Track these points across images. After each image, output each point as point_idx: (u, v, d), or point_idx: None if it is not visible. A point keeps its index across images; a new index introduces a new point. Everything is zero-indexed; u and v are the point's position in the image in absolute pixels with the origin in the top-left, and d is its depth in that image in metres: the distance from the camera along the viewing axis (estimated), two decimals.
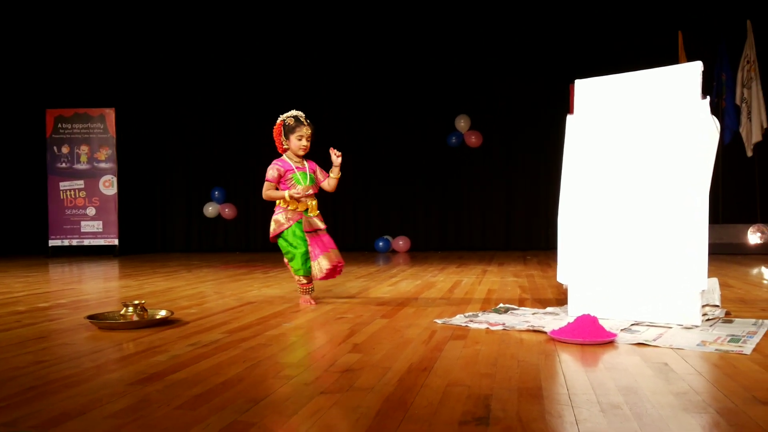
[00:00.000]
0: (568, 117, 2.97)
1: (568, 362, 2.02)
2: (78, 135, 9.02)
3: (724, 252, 7.17)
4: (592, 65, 8.27)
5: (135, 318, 2.77)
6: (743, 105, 7.76)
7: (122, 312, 2.78)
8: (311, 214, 3.54)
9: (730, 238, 7.40)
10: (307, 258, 3.47)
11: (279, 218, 3.51)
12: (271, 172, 3.49)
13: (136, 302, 2.81)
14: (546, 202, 8.74)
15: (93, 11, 9.24)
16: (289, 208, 3.50)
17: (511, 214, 9.20)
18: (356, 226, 9.50)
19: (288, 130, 3.50)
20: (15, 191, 9.61)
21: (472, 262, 6.60)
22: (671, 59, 7.85)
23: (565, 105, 7.44)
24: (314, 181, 3.58)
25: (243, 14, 9.40)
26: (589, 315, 2.36)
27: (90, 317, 2.79)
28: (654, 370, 1.87)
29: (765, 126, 7.59)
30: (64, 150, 9.01)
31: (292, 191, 3.45)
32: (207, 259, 7.83)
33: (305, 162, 3.59)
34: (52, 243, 8.79)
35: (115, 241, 8.85)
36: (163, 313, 2.90)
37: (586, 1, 8.67)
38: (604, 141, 2.87)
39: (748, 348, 2.15)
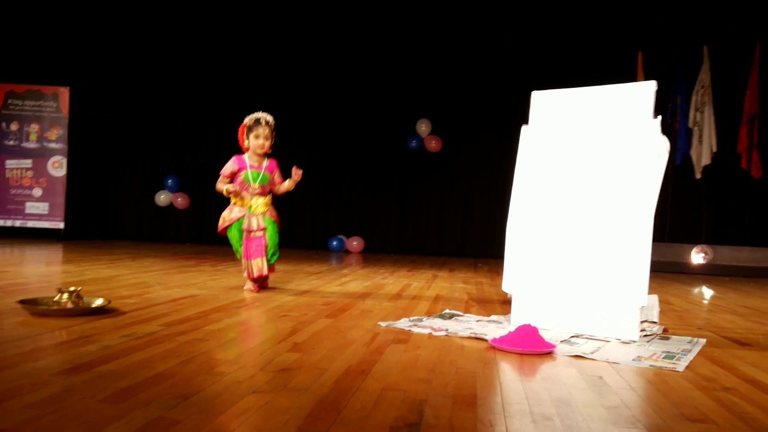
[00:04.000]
0: (523, 127, 2.99)
1: (505, 371, 2.02)
2: (29, 112, 8.73)
3: (668, 270, 7.36)
4: (553, 78, 8.38)
5: (69, 305, 2.67)
6: (695, 128, 7.98)
7: (56, 298, 2.68)
8: (256, 213, 3.74)
9: (674, 257, 7.59)
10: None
11: (224, 214, 3.79)
12: (226, 166, 3.76)
13: (72, 289, 2.71)
14: (501, 210, 8.80)
15: None
16: (236, 204, 3.75)
17: (466, 221, 9.26)
18: (312, 224, 9.43)
19: (248, 130, 3.74)
20: None
21: (424, 267, 6.61)
22: (630, 78, 8.03)
23: (524, 115, 7.52)
24: (266, 181, 3.80)
25: (205, 2, 9.24)
26: (529, 325, 2.37)
27: (22, 302, 2.68)
28: (588, 383, 1.89)
29: (714, 150, 7.82)
30: (13, 127, 8.71)
31: (228, 186, 3.67)
32: (156, 248, 7.66)
33: (265, 161, 3.81)
34: None
35: (61, 225, 8.59)
36: (99, 302, 2.81)
37: (552, 14, 8.80)
38: (556, 153, 2.90)
39: (681, 365, 2.19)
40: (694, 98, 8.07)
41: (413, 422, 1.44)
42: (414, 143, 9.16)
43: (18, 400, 1.48)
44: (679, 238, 7.94)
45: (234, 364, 1.92)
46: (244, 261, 3.72)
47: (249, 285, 3.76)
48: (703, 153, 7.83)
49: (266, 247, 3.71)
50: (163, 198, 9.38)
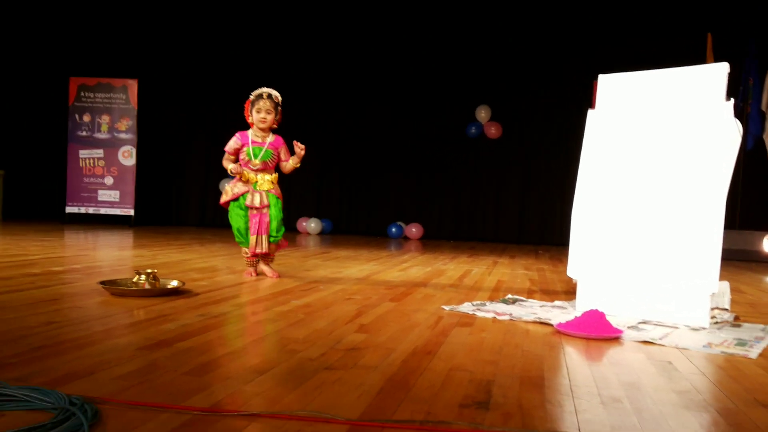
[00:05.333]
0: (590, 112, 2.95)
1: (572, 355, 2.02)
2: (100, 104, 9.08)
3: (740, 258, 7.10)
4: (617, 63, 8.15)
5: (147, 286, 2.80)
6: None
7: (134, 279, 2.82)
8: (260, 188, 3.66)
9: (746, 244, 7.32)
10: (246, 232, 3.67)
11: (227, 188, 3.73)
12: (230, 143, 3.70)
13: (149, 271, 2.84)
14: (561, 197, 8.68)
15: None
16: (240, 180, 3.67)
17: (526, 208, 9.17)
18: (371, 211, 9.51)
19: (252, 105, 3.67)
20: (35, 157, 9.73)
21: (483, 253, 6.59)
22: (699, 61, 7.76)
23: (587, 101, 7.37)
24: (269, 157, 3.69)
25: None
26: (596, 310, 2.36)
27: (102, 283, 2.83)
28: (657, 368, 1.88)
29: None
30: (86, 119, 9.08)
31: (232, 166, 3.61)
32: (220, 234, 7.88)
33: (270, 137, 3.71)
34: (69, 210, 8.89)
35: (131, 212, 8.93)
36: (174, 284, 2.93)
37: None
38: (623, 138, 2.85)
39: (754, 352, 2.14)
40: (767, 80, 7.73)
41: (482, 401, 1.47)
42: (473, 130, 9.10)
43: (107, 373, 1.58)
44: (751, 225, 7.65)
45: (305, 343, 1.99)
46: (252, 238, 3.64)
47: (264, 268, 3.72)
48: None
49: (269, 224, 3.64)
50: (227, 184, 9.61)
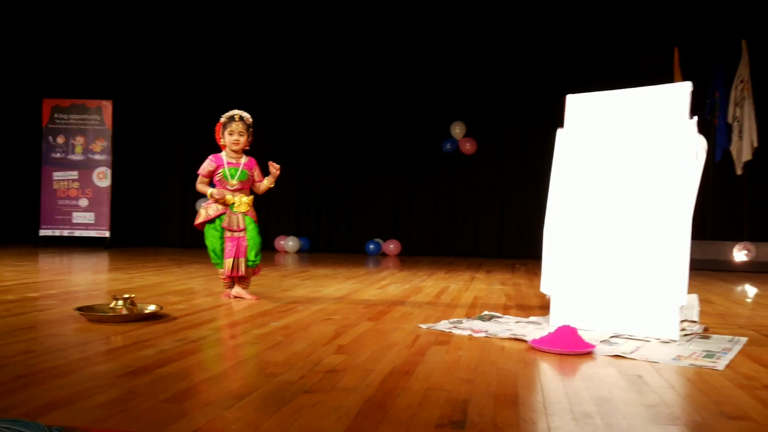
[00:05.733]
0: (558, 131, 3.03)
1: (546, 371, 2.07)
2: (74, 126, 9.02)
3: (710, 268, 7.25)
4: (589, 78, 8.35)
5: (124, 311, 2.80)
6: (735, 124, 7.86)
7: (112, 305, 2.82)
8: (237, 211, 3.68)
9: (716, 254, 7.48)
10: (221, 254, 3.69)
11: (202, 211, 3.72)
12: (204, 166, 3.71)
13: (126, 296, 2.84)
14: (538, 211, 8.75)
15: (95, 3, 9.25)
16: (220, 202, 3.67)
17: (503, 223, 9.27)
18: (349, 228, 9.54)
19: (223, 127, 3.70)
20: (8, 179, 9.60)
21: (461, 269, 6.65)
22: (667, 75, 7.96)
23: (559, 117, 7.51)
24: (245, 177, 3.72)
25: (242, 13, 9.43)
26: (569, 326, 2.41)
27: (79, 309, 2.82)
28: (628, 382, 1.93)
29: (755, 145, 7.68)
30: (60, 140, 9.01)
31: (213, 190, 3.65)
32: (199, 255, 7.83)
33: (243, 158, 3.74)
34: (42, 233, 8.79)
35: (107, 233, 8.85)
36: (152, 308, 2.94)
37: (584, 15, 8.76)
38: (592, 155, 2.93)
39: (721, 364, 2.21)
40: (733, 93, 7.94)
41: (458, 420, 1.50)
42: (448, 146, 9.20)
43: (86, 402, 1.59)
44: (720, 235, 7.82)
45: (284, 366, 2.01)
46: (228, 261, 3.64)
47: (240, 291, 3.70)
48: (743, 149, 7.70)
49: (247, 248, 3.66)
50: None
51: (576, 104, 3.02)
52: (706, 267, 7.27)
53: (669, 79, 8.08)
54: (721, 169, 7.92)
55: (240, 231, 3.67)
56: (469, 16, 9.07)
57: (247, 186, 3.76)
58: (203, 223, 3.69)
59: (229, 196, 3.66)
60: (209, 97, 9.59)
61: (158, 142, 9.89)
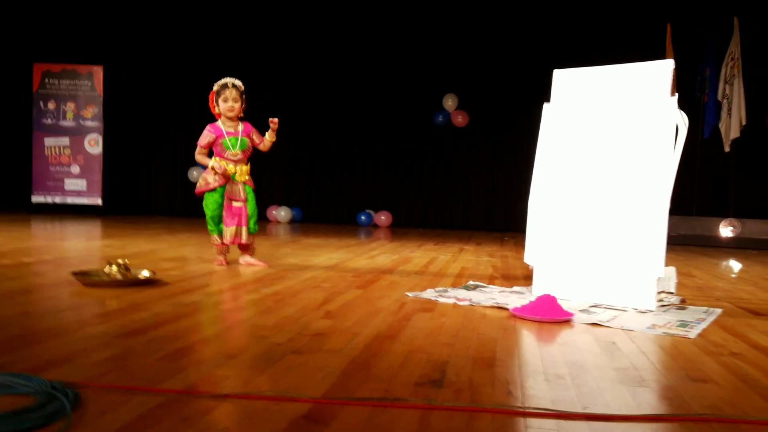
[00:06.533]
0: (545, 105, 3.09)
1: (524, 337, 2.17)
2: (65, 91, 8.99)
3: (697, 244, 7.38)
4: (581, 52, 8.37)
5: (119, 277, 2.87)
6: (724, 101, 7.92)
7: (106, 270, 2.89)
8: (239, 180, 3.75)
9: (703, 230, 7.60)
10: (219, 221, 3.75)
11: (207, 177, 3.75)
12: (203, 137, 3.74)
13: (120, 261, 2.91)
14: (528, 184, 8.85)
15: None
16: (221, 174, 3.71)
17: (493, 195, 9.34)
18: (340, 199, 9.60)
19: (217, 95, 3.72)
20: None
21: (450, 241, 6.75)
22: (658, 51, 8.00)
23: (549, 92, 7.54)
24: (246, 146, 3.78)
25: None
26: (549, 295, 2.51)
27: (75, 273, 2.89)
28: (602, 348, 2.03)
29: (743, 123, 7.76)
30: (51, 106, 8.99)
31: (214, 163, 3.69)
32: (190, 223, 7.90)
33: (240, 125, 3.77)
34: (35, 199, 8.82)
35: (99, 201, 8.89)
36: (145, 274, 3.01)
37: None
38: (576, 130, 3.00)
39: (693, 333, 2.31)
40: (723, 71, 7.99)
41: (436, 379, 1.59)
42: (441, 118, 9.24)
43: (85, 359, 1.67)
44: (707, 211, 7.94)
45: (274, 329, 2.10)
46: (230, 229, 3.72)
47: (249, 259, 3.81)
48: (732, 126, 7.78)
49: (248, 216, 3.75)
50: (195, 174, 9.61)
51: (562, 79, 3.08)
52: (692, 242, 7.40)
53: (661, 55, 8.12)
54: (710, 146, 8.01)
55: (241, 200, 3.75)
56: None
57: (246, 155, 3.81)
58: (206, 191, 3.75)
59: (231, 166, 3.73)
60: (202, 63, 9.54)
61: (150, 109, 9.85)
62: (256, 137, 3.84)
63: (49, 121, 8.98)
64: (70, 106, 9.04)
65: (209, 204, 3.73)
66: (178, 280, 3.10)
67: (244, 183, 3.78)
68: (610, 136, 2.92)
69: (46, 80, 8.98)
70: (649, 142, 2.80)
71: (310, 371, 1.63)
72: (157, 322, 2.14)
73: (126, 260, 2.97)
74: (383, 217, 9.09)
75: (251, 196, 3.79)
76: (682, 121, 2.86)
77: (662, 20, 8.24)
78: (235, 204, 3.75)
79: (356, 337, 2.03)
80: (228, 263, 3.81)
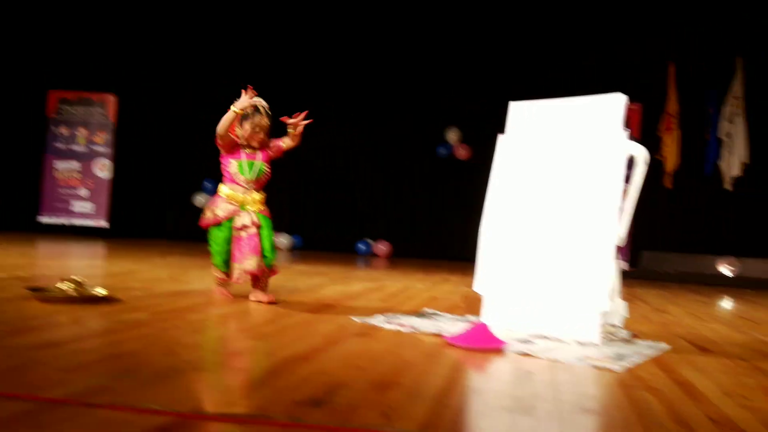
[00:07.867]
0: (499, 136, 3.13)
1: (443, 363, 2.17)
2: (78, 118, 9.27)
3: (694, 281, 7.26)
4: (584, 93, 8.40)
5: (72, 293, 2.93)
6: (726, 139, 7.87)
7: (59, 285, 2.95)
8: (250, 209, 3.35)
9: (700, 268, 7.50)
10: (226, 260, 3.34)
11: (211, 208, 3.40)
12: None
13: (74, 278, 2.97)
14: None
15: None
16: (227, 200, 3.36)
17: None
18: (341, 227, 9.66)
19: (243, 117, 3.35)
20: (11, 168, 9.85)
21: (441, 271, 6.74)
22: (661, 89, 8.01)
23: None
24: (261, 173, 3.42)
25: (245, 11, 9.60)
26: (482, 323, 2.51)
27: (30, 288, 2.96)
28: (513, 377, 2.02)
29: (745, 161, 7.70)
30: (63, 131, 9.25)
31: (237, 103, 3.31)
32: (191, 247, 8.00)
33: (258, 153, 3.43)
34: (42, 220, 9.02)
35: (104, 223, 9.06)
36: (102, 291, 3.06)
37: (583, 30, 8.82)
38: (528, 162, 3.02)
39: (621, 366, 2.29)
40: (726, 109, 7.96)
41: (318, 399, 1.60)
42: (443, 150, 9.30)
43: None
44: (706, 249, 7.84)
45: (191, 348, 2.13)
46: (252, 260, 3.22)
47: (259, 295, 3.33)
48: (733, 164, 7.72)
49: (262, 246, 3.28)
50: (200, 199, 9.76)
51: (518, 111, 3.11)
52: (690, 280, 7.28)
53: (665, 92, 8.13)
54: (711, 183, 7.94)
55: (254, 227, 3.29)
56: (466, 21, 9.17)
57: (260, 184, 3.45)
58: (212, 225, 3.36)
59: (237, 194, 3.37)
60: (209, 95, 9.76)
61: (159, 137, 10.07)
62: (274, 145, 3.48)
63: (62, 145, 9.24)
64: (82, 132, 9.31)
65: (215, 240, 3.34)
66: (135, 300, 3.15)
67: (259, 212, 3.36)
68: (560, 168, 2.93)
69: (61, 107, 9.27)
70: (596, 175, 2.81)
71: (201, 387, 1.65)
72: (83, 336, 2.19)
73: (82, 278, 3.03)
74: (383, 247, 9.11)
75: (267, 225, 3.35)
76: (642, 155, 2.87)
77: (665, 59, 8.27)
78: (248, 232, 3.28)
79: (270, 357, 2.05)
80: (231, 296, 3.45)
